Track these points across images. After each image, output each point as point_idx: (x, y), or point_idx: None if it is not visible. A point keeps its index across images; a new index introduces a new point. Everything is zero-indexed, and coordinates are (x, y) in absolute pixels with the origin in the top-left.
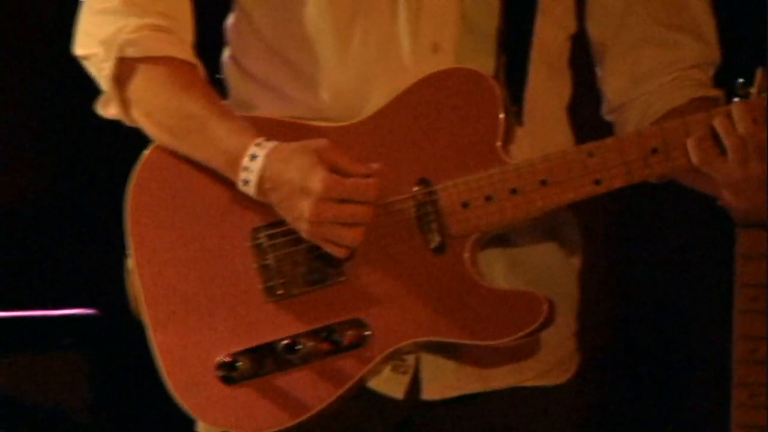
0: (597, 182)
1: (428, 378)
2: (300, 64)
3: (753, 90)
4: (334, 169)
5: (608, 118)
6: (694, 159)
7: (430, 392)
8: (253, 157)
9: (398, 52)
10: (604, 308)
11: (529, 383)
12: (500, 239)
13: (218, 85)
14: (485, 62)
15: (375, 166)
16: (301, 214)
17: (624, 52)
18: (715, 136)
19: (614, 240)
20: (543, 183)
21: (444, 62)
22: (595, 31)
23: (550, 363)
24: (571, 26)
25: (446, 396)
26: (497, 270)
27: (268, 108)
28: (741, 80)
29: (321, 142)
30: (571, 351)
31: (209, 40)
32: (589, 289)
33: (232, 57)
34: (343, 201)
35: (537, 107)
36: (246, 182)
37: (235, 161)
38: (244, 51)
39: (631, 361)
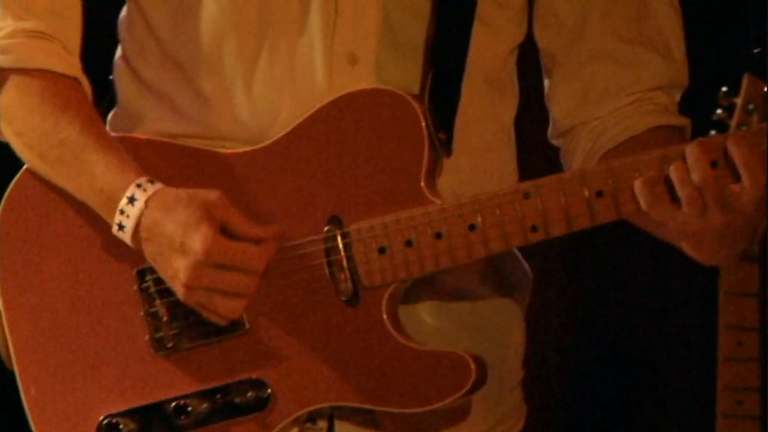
0: (533, 229)
1: None
2: (197, 74)
3: (738, 100)
4: (223, 229)
5: (555, 142)
6: (644, 205)
7: None
8: (132, 200)
9: (310, 64)
10: (568, 349)
11: None
12: (426, 277)
13: (109, 89)
14: (410, 77)
15: (273, 229)
16: (176, 274)
17: (577, 68)
18: (668, 181)
19: (580, 271)
20: (471, 228)
21: (362, 75)
22: (544, 41)
23: (494, 419)
24: (518, 35)
25: None
26: (422, 313)
27: (158, 122)
28: (725, 89)
29: (212, 195)
30: (516, 403)
31: (102, 35)
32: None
33: (124, 58)
34: (224, 267)
35: (471, 132)
36: (121, 227)
37: (110, 202)
38: (138, 52)
39: (602, 410)
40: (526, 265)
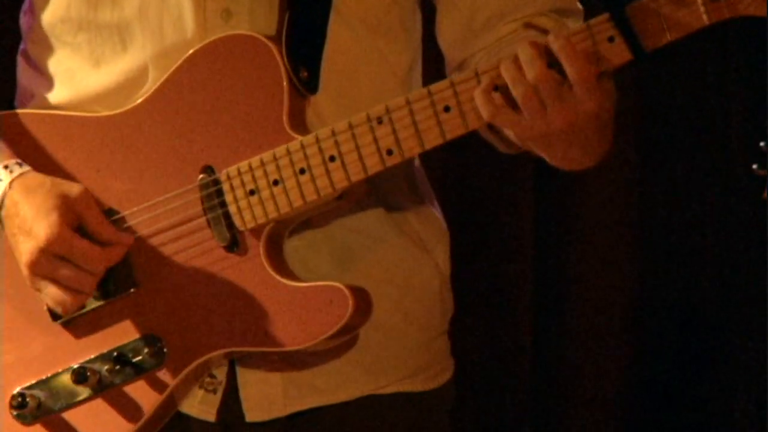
0: (389, 152)
1: (249, 395)
2: (71, 43)
3: None
4: (78, 221)
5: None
6: (485, 114)
7: (253, 413)
8: None
9: (181, 23)
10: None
11: (389, 390)
12: (328, 228)
13: None
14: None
15: (127, 237)
16: (20, 256)
17: (459, 1)
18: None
19: (645, 242)
20: (332, 159)
21: (237, 30)
22: None
23: (415, 365)
24: None
25: (275, 416)
26: (322, 263)
27: (45, 96)
28: None
29: (74, 189)
30: (442, 353)
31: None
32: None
33: (22, 49)
34: (64, 260)
35: (352, 76)
36: None
37: None
38: (27, 34)
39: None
40: (440, 219)
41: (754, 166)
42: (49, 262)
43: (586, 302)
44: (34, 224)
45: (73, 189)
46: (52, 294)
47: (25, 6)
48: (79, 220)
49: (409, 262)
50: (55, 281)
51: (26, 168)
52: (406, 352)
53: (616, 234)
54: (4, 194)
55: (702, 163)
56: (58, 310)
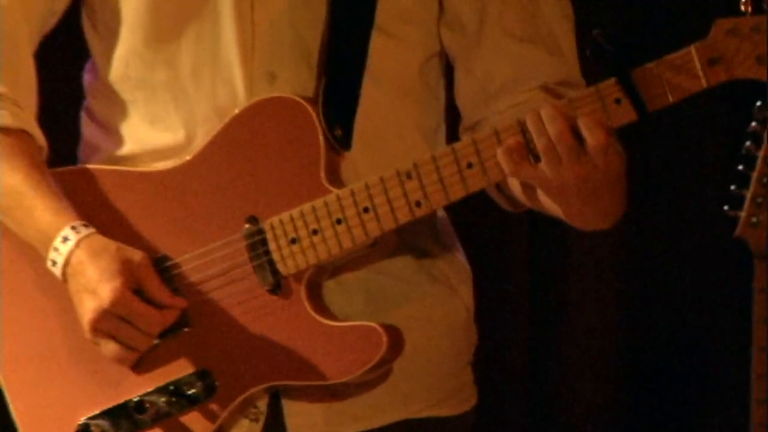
0: (417, 204)
1: (294, 424)
2: (132, 101)
3: None
4: (137, 287)
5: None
6: (507, 169)
7: None
8: (65, 239)
9: (232, 85)
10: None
11: (422, 414)
12: (360, 273)
13: None
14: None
15: (180, 300)
16: (84, 313)
17: (476, 66)
18: (527, 144)
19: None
20: (365, 210)
21: (281, 92)
22: (446, 41)
23: (445, 392)
24: (431, 45)
25: None
26: (355, 304)
27: (108, 149)
28: (759, 103)
29: (137, 256)
30: (467, 382)
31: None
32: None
33: (85, 105)
34: (125, 320)
35: (385, 136)
36: (53, 263)
37: (47, 240)
38: (90, 91)
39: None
40: (464, 260)
41: (725, 207)
42: (111, 322)
43: (580, 327)
44: (99, 286)
45: (136, 256)
46: (111, 349)
47: (87, 65)
48: (139, 284)
49: (437, 299)
50: (115, 339)
51: (91, 230)
52: (437, 381)
53: (609, 260)
54: (71, 252)
55: (692, 190)
56: (115, 363)
